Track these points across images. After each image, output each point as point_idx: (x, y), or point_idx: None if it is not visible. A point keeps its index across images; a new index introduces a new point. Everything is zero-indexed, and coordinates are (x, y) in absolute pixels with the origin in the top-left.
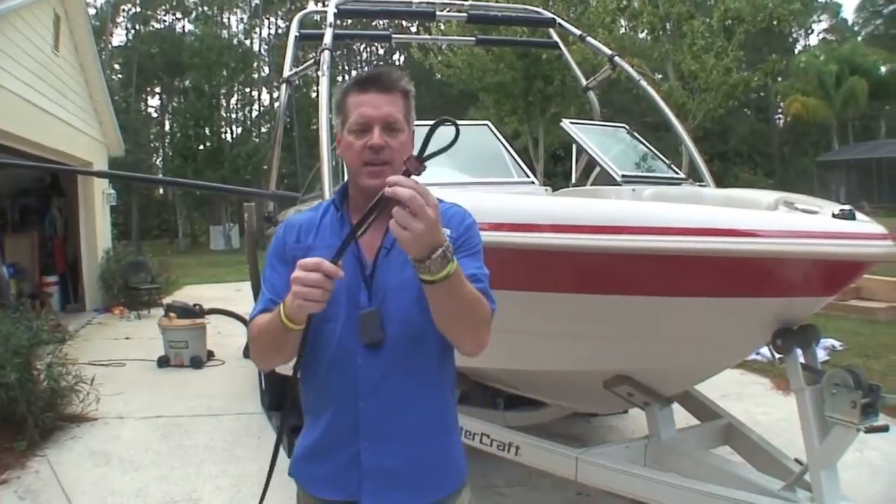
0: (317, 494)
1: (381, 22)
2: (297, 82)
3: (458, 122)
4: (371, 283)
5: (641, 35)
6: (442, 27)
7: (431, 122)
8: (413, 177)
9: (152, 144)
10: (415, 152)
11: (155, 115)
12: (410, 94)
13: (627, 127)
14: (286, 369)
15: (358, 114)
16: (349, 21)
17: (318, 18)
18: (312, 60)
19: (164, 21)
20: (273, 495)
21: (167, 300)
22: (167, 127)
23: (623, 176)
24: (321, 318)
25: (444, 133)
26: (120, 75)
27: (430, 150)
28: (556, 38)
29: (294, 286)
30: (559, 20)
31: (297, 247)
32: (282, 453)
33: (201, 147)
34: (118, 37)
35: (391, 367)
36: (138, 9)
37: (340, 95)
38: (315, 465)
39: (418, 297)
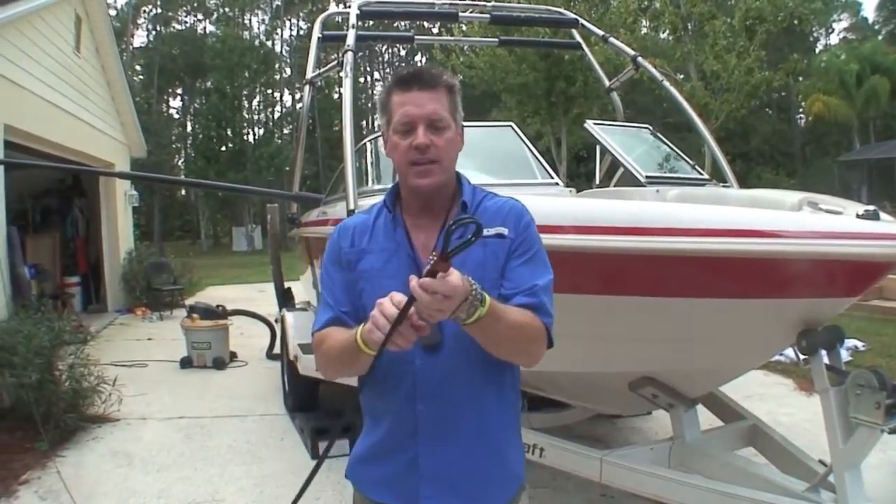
0: (374, 497)
1: (403, 23)
2: (319, 84)
3: (482, 123)
4: None
5: (663, 35)
6: (464, 28)
7: (478, 124)
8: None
9: (174, 146)
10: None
11: (177, 116)
12: (455, 88)
13: (651, 127)
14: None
15: (402, 113)
16: (371, 22)
17: (341, 20)
18: (335, 62)
19: (186, 22)
20: (328, 496)
21: (190, 301)
22: (189, 128)
23: (647, 177)
24: None
25: (472, 143)
26: (141, 76)
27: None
28: (578, 38)
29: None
30: (582, 21)
31: (352, 251)
32: (304, 455)
33: (223, 148)
34: (139, 38)
35: (450, 370)
36: (159, 10)
37: (384, 95)
38: (373, 468)
39: None
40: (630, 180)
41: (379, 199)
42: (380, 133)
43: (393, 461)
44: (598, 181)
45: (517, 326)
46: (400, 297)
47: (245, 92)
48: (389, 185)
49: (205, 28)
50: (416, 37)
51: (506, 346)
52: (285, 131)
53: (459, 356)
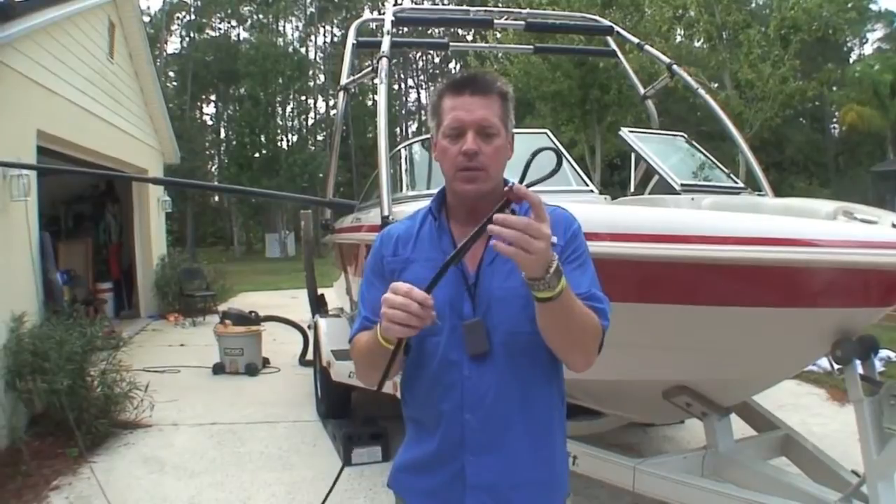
0: None
1: (437, 30)
2: (353, 90)
3: (517, 130)
4: (474, 293)
5: (698, 44)
6: (499, 35)
7: (526, 131)
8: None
9: (208, 152)
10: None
11: (210, 122)
12: (508, 96)
13: (685, 136)
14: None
15: (451, 118)
16: (406, 29)
17: (375, 26)
18: (370, 68)
19: (219, 29)
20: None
21: (223, 307)
22: (222, 135)
23: (682, 185)
24: (424, 332)
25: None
26: (175, 83)
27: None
28: (613, 46)
29: (383, 307)
30: (617, 28)
31: (395, 260)
32: (336, 462)
33: (257, 155)
34: (173, 44)
35: (498, 379)
36: (193, 17)
37: (435, 98)
38: (417, 478)
39: (524, 307)
40: (665, 188)
41: (413, 205)
42: (413, 140)
43: (439, 471)
44: (632, 189)
45: (585, 314)
46: (418, 293)
47: (279, 98)
48: (423, 192)
49: (238, 35)
50: (451, 44)
51: (574, 334)
52: (319, 138)
53: (507, 366)
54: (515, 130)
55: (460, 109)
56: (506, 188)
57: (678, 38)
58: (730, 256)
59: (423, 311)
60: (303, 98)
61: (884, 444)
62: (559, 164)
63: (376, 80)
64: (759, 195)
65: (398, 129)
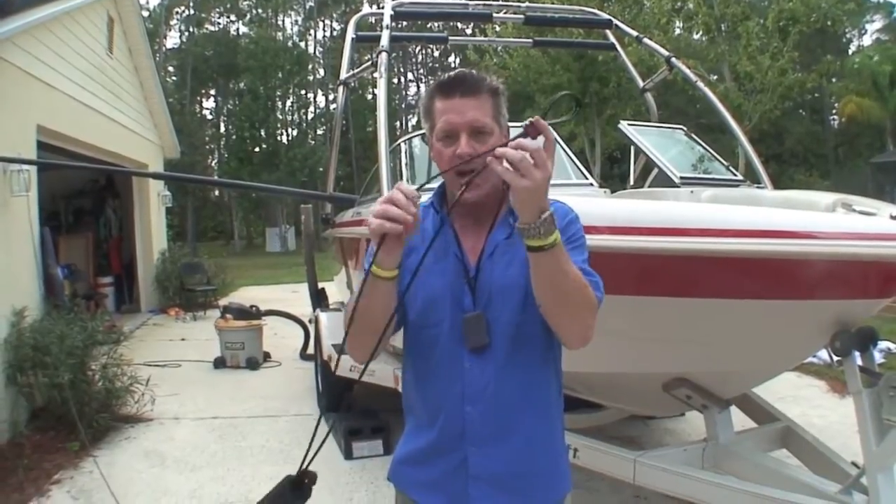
0: (420, 500)
1: (436, 24)
2: (353, 84)
3: (515, 123)
4: (475, 285)
5: (696, 36)
6: (498, 29)
7: (512, 124)
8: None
9: (208, 146)
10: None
11: (210, 117)
12: (499, 91)
13: (685, 128)
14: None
15: (444, 121)
16: (405, 23)
17: (374, 21)
18: (369, 62)
19: (219, 23)
20: (361, 497)
21: (223, 301)
22: (222, 129)
23: (681, 178)
24: (423, 324)
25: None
26: (174, 78)
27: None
28: (612, 39)
29: (375, 207)
30: (616, 21)
31: None
32: (338, 456)
33: (257, 149)
34: (172, 39)
35: (498, 371)
36: (192, 11)
37: (427, 100)
38: (419, 470)
39: (523, 298)
40: (664, 181)
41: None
42: (413, 134)
43: (441, 463)
44: (632, 182)
45: (579, 280)
46: (406, 187)
47: (278, 93)
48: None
49: (238, 29)
50: (450, 38)
51: (568, 298)
52: (319, 132)
53: (507, 358)
54: (515, 124)
55: (451, 112)
56: (528, 121)
57: (677, 31)
58: (729, 249)
59: (408, 202)
60: (302, 92)
61: (883, 436)
62: (578, 105)
63: (376, 75)
64: (758, 187)
65: (398, 123)
